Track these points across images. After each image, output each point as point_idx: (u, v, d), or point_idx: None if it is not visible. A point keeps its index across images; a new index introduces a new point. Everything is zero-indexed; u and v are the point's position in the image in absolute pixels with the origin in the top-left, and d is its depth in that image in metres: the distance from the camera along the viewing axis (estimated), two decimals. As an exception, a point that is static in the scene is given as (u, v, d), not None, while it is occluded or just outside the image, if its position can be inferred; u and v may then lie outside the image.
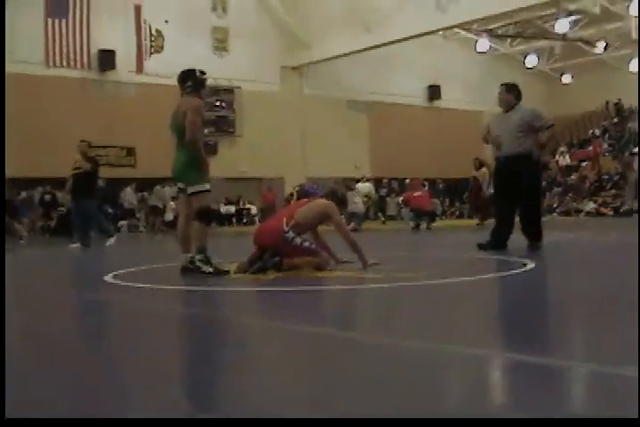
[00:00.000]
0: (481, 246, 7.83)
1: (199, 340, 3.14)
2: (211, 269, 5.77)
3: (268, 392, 2.13)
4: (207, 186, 5.89)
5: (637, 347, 2.45)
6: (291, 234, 5.94)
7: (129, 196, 22.57)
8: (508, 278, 5.17)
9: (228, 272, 5.80)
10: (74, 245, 11.66)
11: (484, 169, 16.43)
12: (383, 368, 2.39)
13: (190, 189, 5.86)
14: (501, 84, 8.03)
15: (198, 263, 5.80)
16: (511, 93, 7.85)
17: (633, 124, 31.13)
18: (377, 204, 24.30)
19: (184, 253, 5.97)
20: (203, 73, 6.15)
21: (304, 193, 23.78)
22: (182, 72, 6.15)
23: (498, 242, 7.73)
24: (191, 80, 6.06)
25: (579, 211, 25.31)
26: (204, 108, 6.09)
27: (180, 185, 5.97)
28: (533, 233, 7.73)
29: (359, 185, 19.66)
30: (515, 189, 7.62)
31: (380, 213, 24.24)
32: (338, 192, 6.69)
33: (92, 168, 11.66)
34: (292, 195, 26.37)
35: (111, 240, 11.86)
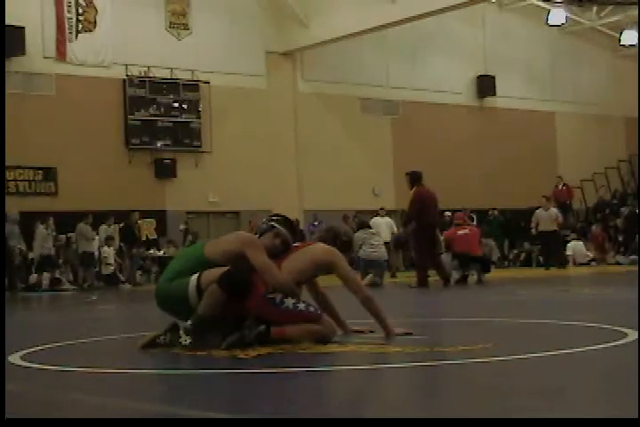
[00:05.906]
0: None
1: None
2: (187, 342, 5.82)
3: None
4: None
5: None
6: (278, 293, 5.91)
7: (42, 236, 21.97)
8: (604, 354, 5.10)
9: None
10: None
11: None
12: None
13: None
14: None
15: (182, 330, 5.88)
16: None
17: None
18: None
19: None
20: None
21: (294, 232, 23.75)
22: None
23: None
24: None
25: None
26: None
27: None
28: None
29: (376, 221, 19.66)
30: None
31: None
32: (340, 233, 6.68)
33: None
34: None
35: None
